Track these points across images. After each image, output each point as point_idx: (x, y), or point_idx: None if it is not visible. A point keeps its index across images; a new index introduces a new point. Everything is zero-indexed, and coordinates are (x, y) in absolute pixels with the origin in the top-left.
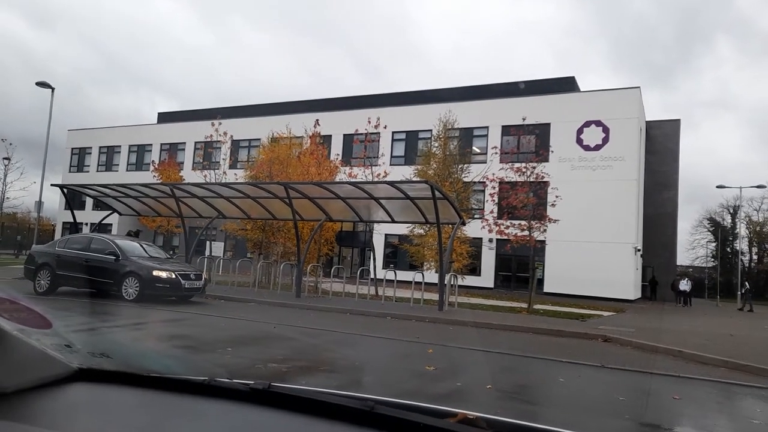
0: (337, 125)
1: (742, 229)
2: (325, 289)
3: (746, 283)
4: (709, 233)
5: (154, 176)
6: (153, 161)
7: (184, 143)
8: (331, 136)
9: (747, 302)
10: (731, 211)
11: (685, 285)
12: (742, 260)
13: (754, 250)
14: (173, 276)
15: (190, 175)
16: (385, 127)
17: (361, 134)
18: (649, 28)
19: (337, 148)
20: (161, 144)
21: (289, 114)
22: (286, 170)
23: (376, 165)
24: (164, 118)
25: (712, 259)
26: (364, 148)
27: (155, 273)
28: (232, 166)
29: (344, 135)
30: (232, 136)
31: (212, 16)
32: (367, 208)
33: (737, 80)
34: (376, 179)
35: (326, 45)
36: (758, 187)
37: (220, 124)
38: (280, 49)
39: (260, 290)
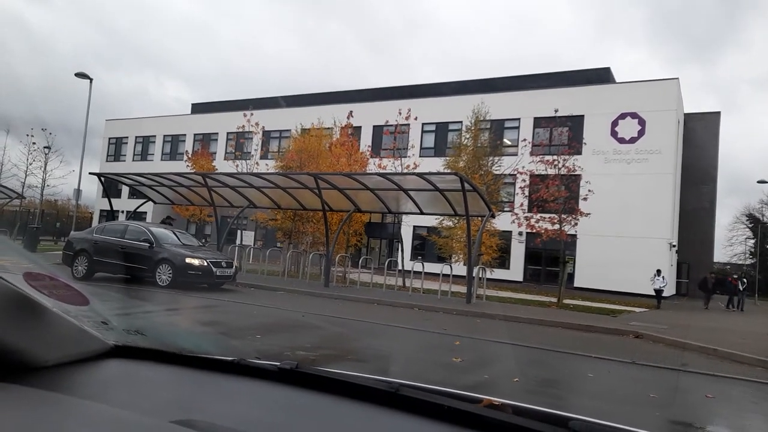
0: (367, 116)
1: None
2: (353, 279)
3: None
4: (748, 230)
5: (188, 166)
6: (186, 151)
7: (217, 134)
8: (361, 127)
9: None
10: None
11: (741, 286)
12: None
13: None
14: (205, 263)
15: (222, 165)
16: (415, 119)
17: (392, 125)
18: None
19: (366, 140)
20: (194, 134)
21: (319, 105)
22: (316, 161)
23: (406, 156)
24: (198, 108)
25: (751, 257)
26: (393, 139)
27: (188, 260)
28: (263, 156)
29: (374, 126)
30: (263, 127)
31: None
32: (395, 199)
33: None
34: (405, 171)
35: (334, 25)
36: None
37: (252, 114)
38: (305, 40)
39: (289, 279)
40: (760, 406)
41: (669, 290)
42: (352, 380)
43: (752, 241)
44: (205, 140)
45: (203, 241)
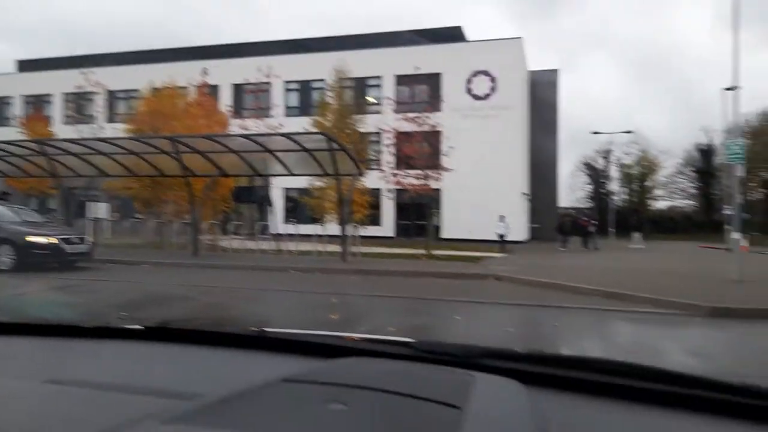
0: (225, 74)
1: (614, 171)
2: (223, 246)
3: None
4: (586, 176)
5: (20, 132)
6: (16, 115)
7: (51, 95)
8: (218, 86)
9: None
10: (604, 155)
11: (592, 228)
12: (613, 200)
13: (625, 190)
14: (53, 241)
15: (62, 130)
16: (277, 77)
17: (252, 84)
18: None
19: (226, 99)
20: (24, 96)
21: (170, 62)
22: (171, 123)
23: (270, 116)
24: (26, 66)
25: (589, 200)
26: (255, 98)
27: (31, 239)
28: (110, 119)
29: (234, 85)
30: (107, 87)
31: None
32: (263, 161)
33: (614, 16)
34: (270, 131)
35: None
36: (627, 132)
37: (91, 73)
38: None
39: (154, 251)
40: (596, 328)
41: (523, 235)
42: (219, 330)
43: (590, 186)
44: (38, 103)
45: (48, 216)
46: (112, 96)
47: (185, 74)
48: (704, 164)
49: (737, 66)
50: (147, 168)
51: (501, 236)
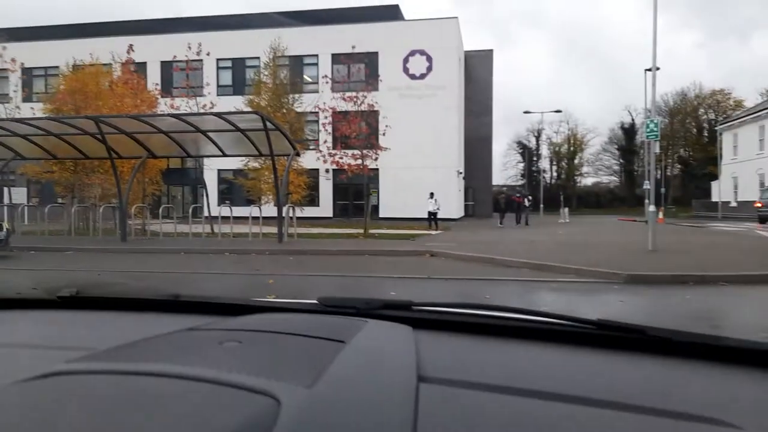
0: (152, 51)
1: (544, 150)
2: (154, 230)
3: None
4: (518, 154)
5: None
6: None
7: None
8: (146, 63)
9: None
10: (536, 134)
11: (527, 203)
12: (544, 177)
13: (554, 168)
14: None
15: None
16: (208, 54)
17: (182, 61)
18: None
19: (154, 77)
20: None
21: (93, 38)
22: (95, 102)
23: (202, 95)
24: None
25: (521, 178)
26: (186, 77)
27: None
28: (27, 98)
29: (162, 62)
30: (22, 64)
31: None
32: (194, 142)
33: None
34: (202, 111)
35: None
36: (556, 111)
37: (4, 48)
38: None
39: (78, 237)
40: (523, 298)
41: (459, 212)
42: (133, 296)
43: (522, 164)
44: None
45: None
46: (29, 73)
47: (109, 51)
48: (627, 142)
49: (656, 48)
50: (68, 150)
51: (432, 214)
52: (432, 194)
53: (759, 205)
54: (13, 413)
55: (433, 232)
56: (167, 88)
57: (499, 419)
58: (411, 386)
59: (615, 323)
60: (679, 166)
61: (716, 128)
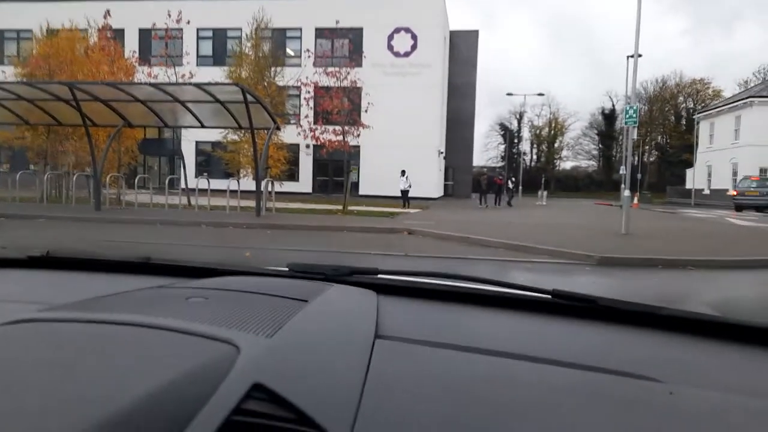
0: (130, 18)
1: (526, 132)
2: (129, 201)
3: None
4: (500, 136)
5: None
6: None
7: None
8: (124, 30)
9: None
10: (518, 116)
11: (510, 185)
12: (524, 159)
13: (535, 151)
14: None
15: None
16: (188, 23)
17: (161, 29)
18: None
19: (132, 45)
20: None
21: (69, 1)
22: (70, 68)
23: (181, 65)
24: None
25: (502, 160)
26: (165, 45)
27: None
28: None
29: (140, 30)
30: None
31: None
32: (172, 112)
33: None
34: (181, 80)
35: None
36: (539, 95)
37: None
38: None
39: (51, 205)
40: (498, 276)
41: (438, 192)
42: (104, 258)
43: (503, 146)
44: None
45: None
46: (1, 35)
47: (85, 15)
48: (607, 127)
49: (639, 35)
50: (42, 116)
51: (404, 192)
52: (403, 172)
53: (734, 193)
54: None
55: (410, 210)
56: (145, 57)
57: (446, 372)
58: (368, 341)
59: (569, 293)
60: (656, 152)
61: (694, 117)
